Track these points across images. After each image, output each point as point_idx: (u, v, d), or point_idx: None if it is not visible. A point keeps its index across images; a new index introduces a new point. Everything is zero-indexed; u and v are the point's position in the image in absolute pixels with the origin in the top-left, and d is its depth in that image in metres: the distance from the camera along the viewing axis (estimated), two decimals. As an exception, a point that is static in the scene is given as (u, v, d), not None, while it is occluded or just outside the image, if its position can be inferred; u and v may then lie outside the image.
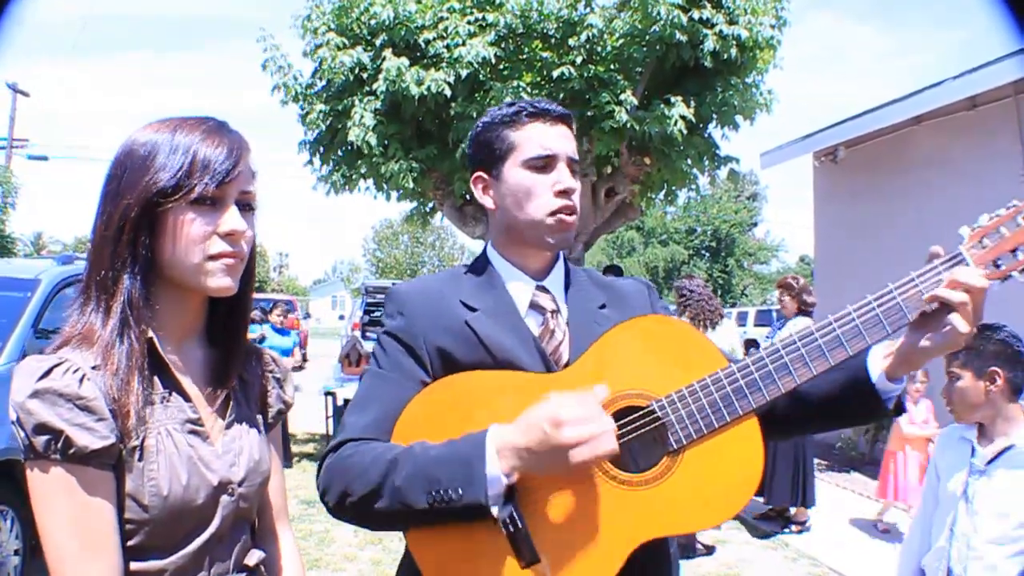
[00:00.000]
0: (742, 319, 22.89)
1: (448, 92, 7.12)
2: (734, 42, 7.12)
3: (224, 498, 1.12)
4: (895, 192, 8.23)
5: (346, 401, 7.91)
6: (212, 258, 1.08)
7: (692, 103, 7.36)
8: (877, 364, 1.30)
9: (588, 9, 7.36)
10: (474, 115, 6.88)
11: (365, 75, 7.59)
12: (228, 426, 1.17)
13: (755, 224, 51.07)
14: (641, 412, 1.27)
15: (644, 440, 1.28)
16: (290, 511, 5.26)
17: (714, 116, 7.84)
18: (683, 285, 5.81)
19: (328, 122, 7.82)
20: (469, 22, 7.22)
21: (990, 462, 2.16)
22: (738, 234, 49.32)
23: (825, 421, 1.46)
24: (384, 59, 7.23)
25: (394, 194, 8.60)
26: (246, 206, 1.13)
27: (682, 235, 49.50)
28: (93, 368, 1.02)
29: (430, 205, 9.39)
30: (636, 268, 44.91)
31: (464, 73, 7.06)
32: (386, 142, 7.54)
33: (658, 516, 1.24)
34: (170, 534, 1.06)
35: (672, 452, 1.26)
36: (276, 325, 8.40)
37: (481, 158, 1.46)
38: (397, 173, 7.53)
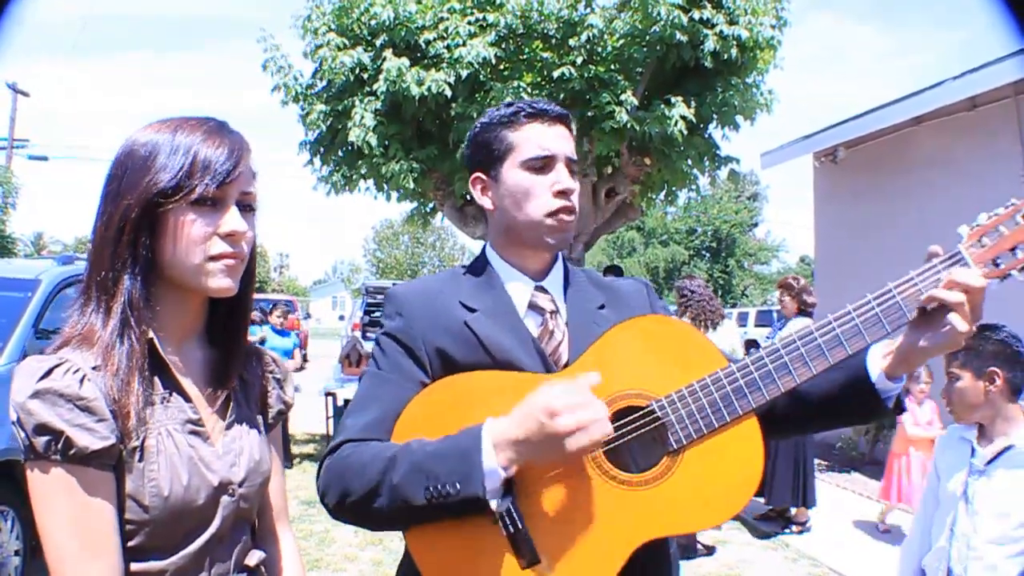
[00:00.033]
0: (742, 319, 22.89)
1: (448, 92, 7.12)
2: (734, 42, 7.12)
3: (224, 499, 1.12)
4: (895, 192, 8.23)
5: (346, 401, 7.91)
6: (213, 259, 1.08)
7: (692, 103, 7.36)
8: (876, 363, 1.30)
9: (588, 9, 7.36)
10: (474, 115, 6.88)
11: (365, 75, 7.59)
12: (228, 427, 1.17)
13: (755, 224, 51.09)
14: (641, 412, 1.27)
15: (644, 440, 1.29)
16: (290, 511, 5.26)
17: (714, 116, 7.85)
18: (684, 285, 5.81)
19: (328, 122, 7.82)
20: (469, 22, 7.22)
21: (990, 462, 2.16)
22: (738, 234, 49.32)
23: (825, 420, 1.46)
24: (384, 59, 7.24)
25: (394, 194, 8.60)
26: (246, 207, 1.13)
27: (682, 235, 49.51)
28: (93, 369, 1.02)
29: (430, 205, 9.39)
30: (636, 268, 44.91)
31: (464, 73, 7.06)
32: (386, 142, 7.54)
33: (658, 516, 1.24)
34: (170, 535, 1.06)
35: (672, 452, 1.26)
36: (276, 326, 8.40)
37: (479, 159, 1.46)
38: (397, 173, 7.53)
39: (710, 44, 7.00)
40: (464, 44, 7.09)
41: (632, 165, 8.13)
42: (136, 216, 1.05)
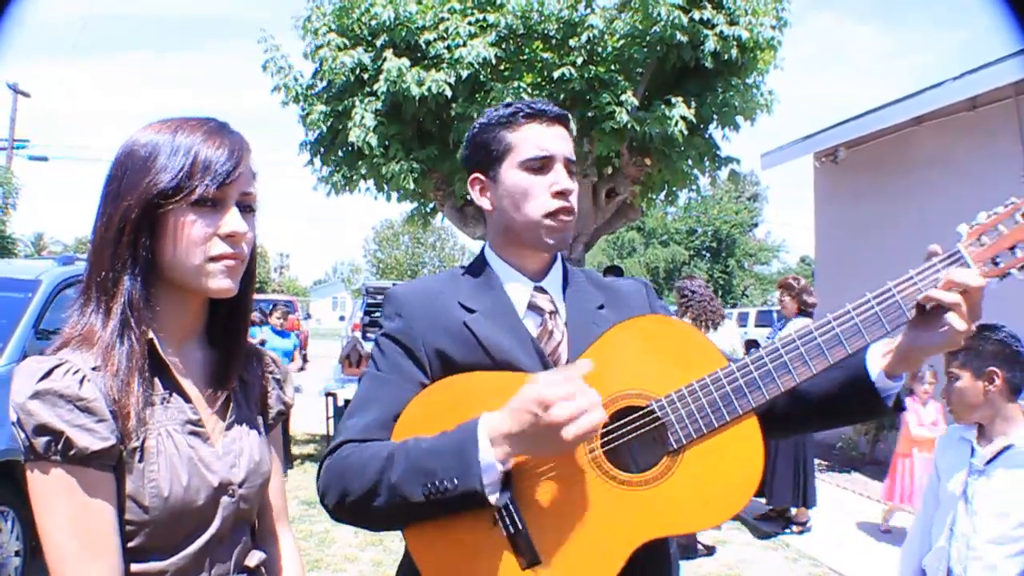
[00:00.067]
0: (743, 320, 22.90)
1: (449, 93, 7.12)
2: (735, 43, 7.12)
3: (224, 499, 1.12)
4: (895, 193, 8.23)
5: (346, 402, 7.91)
6: (213, 260, 1.08)
7: (693, 104, 7.36)
8: (876, 362, 1.30)
9: (589, 10, 7.36)
10: (475, 116, 6.87)
11: (366, 76, 7.59)
12: (228, 427, 1.17)
13: (756, 225, 51.10)
14: (640, 412, 1.27)
15: (644, 440, 1.28)
16: (291, 512, 5.25)
17: (715, 117, 7.84)
18: (685, 286, 5.82)
19: (329, 123, 7.82)
20: (470, 23, 7.22)
21: (989, 462, 2.16)
22: (739, 235, 49.34)
23: (825, 419, 1.46)
24: (385, 60, 7.24)
25: (395, 195, 8.60)
26: (246, 207, 1.13)
27: (683, 236, 49.53)
28: (93, 369, 1.02)
29: (431, 206, 9.39)
30: (637, 269, 44.92)
31: (465, 74, 7.06)
32: (387, 143, 7.54)
33: (658, 516, 1.24)
34: (170, 535, 1.06)
35: (672, 452, 1.26)
36: (276, 327, 8.40)
37: (478, 159, 1.46)
38: (398, 174, 7.53)
39: (710, 44, 7.00)
40: (464, 44, 7.09)
41: (632, 165, 8.13)
42: (136, 217, 1.05)
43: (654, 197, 9.08)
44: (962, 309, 1.19)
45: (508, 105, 1.44)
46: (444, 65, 7.19)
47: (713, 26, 7.05)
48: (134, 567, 1.04)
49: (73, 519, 0.98)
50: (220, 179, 1.07)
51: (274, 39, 7.91)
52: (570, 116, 1.56)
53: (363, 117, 7.32)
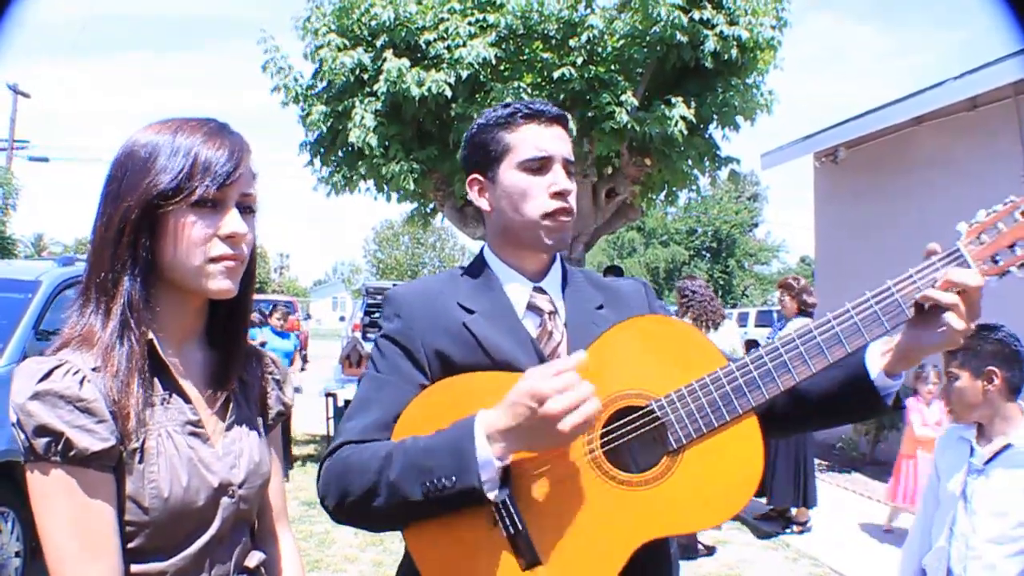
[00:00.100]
0: (743, 320, 22.90)
1: (449, 93, 7.13)
2: (735, 43, 7.12)
3: (224, 500, 1.12)
4: (895, 193, 8.23)
5: (347, 402, 7.90)
6: (213, 261, 1.08)
7: (693, 104, 7.36)
8: (875, 360, 1.30)
9: (589, 10, 7.36)
10: (475, 116, 6.83)
11: (366, 76, 7.59)
12: (228, 428, 1.17)
13: (756, 225, 51.12)
14: (640, 412, 1.27)
15: (644, 440, 1.28)
16: (291, 512, 5.25)
17: (715, 117, 7.85)
18: (685, 286, 5.82)
19: (329, 123, 7.82)
20: (470, 23, 7.23)
21: (988, 462, 2.16)
22: (739, 235, 49.36)
23: (824, 418, 1.46)
24: (385, 60, 7.24)
25: (395, 195, 8.60)
26: (246, 209, 1.13)
27: (683, 236, 49.54)
28: (93, 370, 1.02)
29: (431, 206, 9.39)
30: (637, 269, 44.93)
31: (465, 74, 7.06)
32: (387, 143, 7.55)
33: (658, 516, 1.24)
34: (170, 536, 1.06)
35: (672, 452, 1.26)
36: (276, 328, 8.40)
37: (476, 160, 1.46)
38: (398, 174, 7.54)
39: (710, 44, 7.00)
40: (464, 45, 7.09)
41: (632, 165, 8.13)
42: (136, 218, 1.05)
43: (654, 197, 9.08)
44: (960, 309, 1.19)
45: (506, 106, 1.43)
46: (444, 65, 7.20)
47: (713, 26, 7.05)
48: (134, 568, 1.03)
49: (73, 520, 0.98)
50: (220, 180, 1.07)
51: (274, 39, 7.93)
52: (569, 116, 1.56)
53: (363, 117, 7.32)
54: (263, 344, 7.71)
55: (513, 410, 1.15)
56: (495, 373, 1.31)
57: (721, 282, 46.95)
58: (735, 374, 1.27)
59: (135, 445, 1.03)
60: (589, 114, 7.27)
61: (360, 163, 7.81)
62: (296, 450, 8.44)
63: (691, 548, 5.20)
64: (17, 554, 4.15)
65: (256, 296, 1.31)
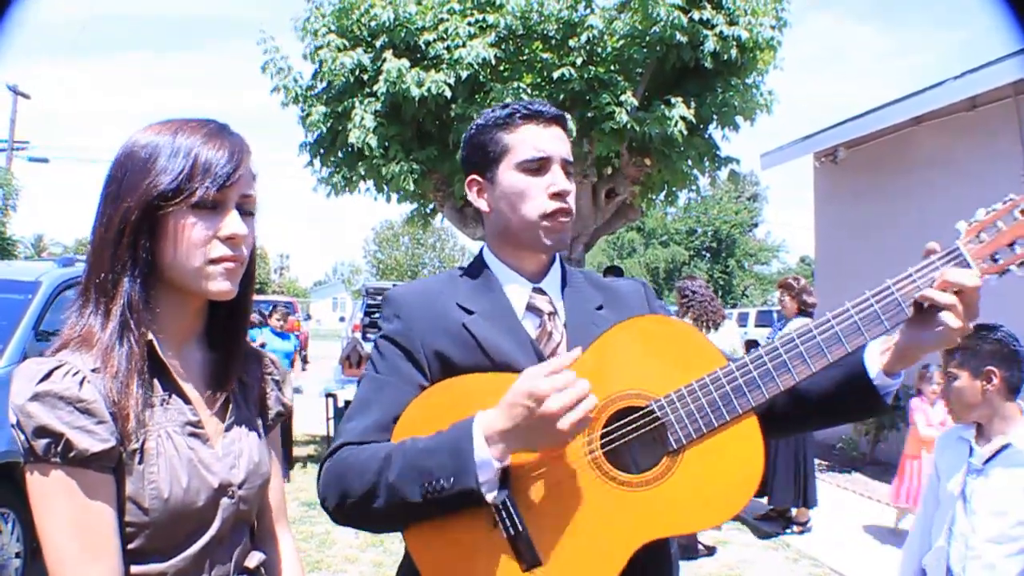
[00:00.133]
0: (743, 320, 22.90)
1: (448, 93, 7.13)
2: (734, 43, 7.12)
3: (224, 500, 1.12)
4: (895, 193, 8.24)
5: (347, 403, 7.90)
6: (212, 262, 1.08)
7: (692, 104, 7.36)
8: (874, 359, 1.30)
9: (588, 10, 7.36)
10: (474, 116, 6.83)
11: (365, 77, 7.59)
12: (228, 428, 1.17)
13: (756, 225, 51.14)
14: (640, 412, 1.27)
15: (644, 440, 1.28)
16: (291, 513, 5.25)
17: (714, 117, 7.84)
18: (685, 286, 5.82)
19: (328, 124, 7.82)
20: (469, 23, 7.22)
21: (987, 461, 2.16)
22: (739, 235, 49.37)
23: (824, 417, 1.45)
24: (384, 60, 7.24)
25: (395, 196, 8.60)
26: (246, 212, 1.13)
27: (683, 236, 49.56)
28: (93, 371, 1.02)
29: (431, 206, 9.39)
30: (637, 269, 44.95)
31: (464, 74, 7.06)
32: (387, 144, 7.54)
33: (659, 517, 1.24)
34: (170, 537, 1.06)
35: (672, 452, 1.26)
36: (276, 328, 8.39)
37: (475, 161, 1.45)
38: (398, 175, 7.53)
39: (710, 45, 7.00)
40: (464, 45, 7.09)
41: (632, 166, 8.13)
42: (136, 219, 1.05)
43: (654, 197, 9.08)
44: (957, 308, 1.20)
45: (505, 106, 1.43)
46: (444, 66, 7.20)
47: (713, 26, 7.05)
48: (134, 569, 1.03)
49: (73, 521, 0.98)
50: (220, 181, 1.07)
51: (274, 40, 7.92)
52: (567, 116, 1.56)
53: (363, 118, 7.32)
54: (263, 345, 7.72)
55: (511, 410, 1.15)
56: (494, 374, 1.31)
57: (721, 282, 46.96)
58: (735, 374, 1.27)
59: (135, 446, 1.03)
60: (589, 114, 7.27)
61: (360, 164, 7.81)
62: (296, 451, 8.43)
63: (691, 548, 5.20)
64: (17, 555, 4.15)
65: (256, 297, 1.31)
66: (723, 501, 1.25)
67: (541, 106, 1.42)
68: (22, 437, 0.98)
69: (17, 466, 3.82)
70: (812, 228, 10.24)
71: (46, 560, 0.99)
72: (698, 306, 5.65)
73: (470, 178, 1.47)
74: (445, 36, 7.28)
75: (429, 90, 7.07)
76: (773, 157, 10.16)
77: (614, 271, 9.68)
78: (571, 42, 7.20)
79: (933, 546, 2.27)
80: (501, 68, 7.52)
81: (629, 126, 7.10)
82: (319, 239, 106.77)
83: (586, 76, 7.18)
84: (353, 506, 1.25)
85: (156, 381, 1.09)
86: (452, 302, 1.40)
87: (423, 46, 7.36)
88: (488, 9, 7.31)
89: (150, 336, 1.07)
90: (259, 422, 1.27)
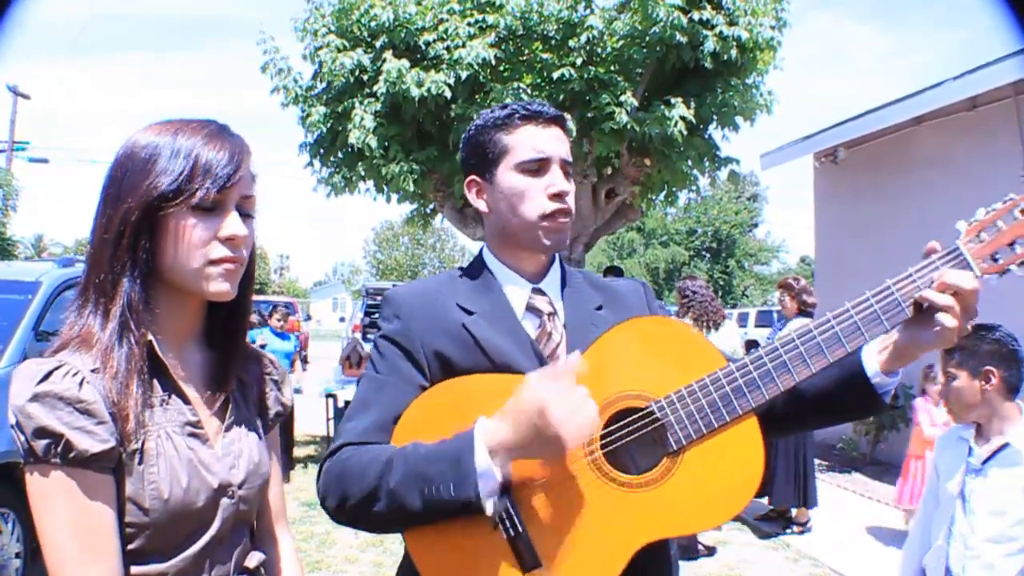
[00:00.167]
0: (743, 320, 22.89)
1: (448, 94, 7.13)
2: (734, 43, 7.12)
3: (224, 501, 1.12)
4: (895, 193, 8.23)
5: (347, 403, 7.88)
6: (212, 263, 1.08)
7: (692, 104, 7.36)
8: (872, 358, 1.30)
9: (588, 11, 7.36)
10: (474, 116, 6.85)
11: (365, 77, 7.59)
12: (227, 428, 1.17)
13: (755, 225, 51.14)
14: (640, 413, 1.27)
15: (644, 441, 1.28)
16: (291, 514, 5.25)
17: (714, 117, 7.85)
18: (686, 286, 5.81)
19: (328, 124, 7.83)
20: (469, 24, 7.23)
21: (986, 461, 2.16)
22: (739, 235, 49.37)
23: (823, 417, 1.45)
24: (384, 61, 7.24)
25: (395, 196, 8.60)
26: (245, 214, 1.13)
27: (683, 236, 49.56)
28: (92, 371, 1.02)
29: (431, 207, 9.39)
30: (637, 269, 44.96)
31: (464, 75, 7.06)
32: (386, 144, 7.55)
33: (659, 518, 1.24)
34: (170, 537, 1.06)
35: (672, 453, 1.26)
36: (276, 329, 8.39)
37: (474, 162, 1.45)
38: (397, 175, 7.54)
39: (710, 45, 7.00)
40: (464, 45, 7.09)
41: (632, 166, 8.13)
42: (136, 219, 1.05)
43: (654, 198, 9.08)
44: (955, 310, 1.20)
45: (504, 107, 1.43)
46: (444, 66, 7.20)
47: (712, 27, 7.05)
48: (134, 570, 1.03)
49: (73, 522, 0.98)
50: (220, 183, 1.07)
51: (274, 40, 7.92)
52: (567, 117, 1.56)
53: (363, 118, 7.33)
54: (263, 346, 7.71)
55: (515, 422, 1.15)
56: (494, 375, 1.31)
57: (721, 282, 46.96)
58: (735, 375, 1.27)
59: (135, 446, 1.03)
60: (589, 115, 7.27)
61: (360, 164, 7.81)
62: (296, 451, 8.43)
63: (691, 548, 5.19)
64: (17, 555, 4.15)
65: (256, 297, 1.31)
66: (723, 502, 1.25)
67: (540, 106, 1.42)
68: (22, 438, 0.98)
69: (17, 466, 3.82)
70: (812, 228, 10.24)
71: (46, 561, 0.99)
72: (698, 306, 5.65)
73: (469, 179, 1.47)
74: (445, 36, 7.28)
75: (429, 90, 7.07)
76: (773, 157, 10.16)
77: (614, 271, 9.68)
78: (571, 42, 7.20)
79: (933, 546, 2.27)
80: (501, 68, 7.52)
81: (629, 126, 7.10)
82: (319, 239, 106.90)
83: (586, 76, 7.18)
84: (353, 508, 1.25)
85: (155, 381, 1.09)
86: (452, 302, 1.40)
87: (423, 46, 7.36)
88: (488, 9, 7.32)
89: (149, 336, 1.07)
90: (258, 422, 1.27)
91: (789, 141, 9.86)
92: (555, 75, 7.10)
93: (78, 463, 0.98)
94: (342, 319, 43.06)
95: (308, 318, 33.43)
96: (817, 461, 6.64)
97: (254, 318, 8.13)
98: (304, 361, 11.55)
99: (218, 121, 1.15)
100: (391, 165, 7.54)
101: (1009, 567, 2.07)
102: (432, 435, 1.25)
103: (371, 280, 41.77)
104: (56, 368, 1.00)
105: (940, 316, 1.20)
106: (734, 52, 7.16)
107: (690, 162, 8.09)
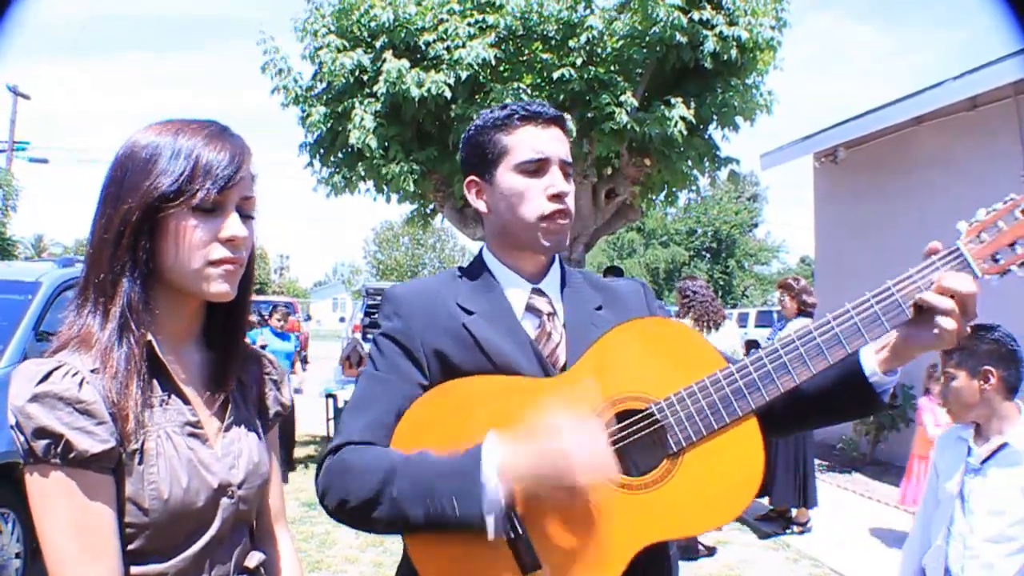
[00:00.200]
0: (743, 320, 22.88)
1: (448, 94, 7.13)
2: (734, 43, 7.12)
3: (224, 500, 1.12)
4: (895, 193, 8.23)
5: (347, 403, 7.90)
6: (212, 264, 1.08)
7: (692, 104, 7.36)
8: (870, 358, 1.30)
9: (588, 11, 7.37)
10: (474, 117, 6.85)
11: (365, 77, 7.59)
12: (227, 428, 1.17)
13: (755, 225, 51.15)
14: (640, 415, 1.27)
15: (644, 443, 1.28)
16: (291, 513, 5.25)
17: (714, 117, 7.85)
18: (686, 286, 5.81)
19: (328, 125, 7.83)
20: (469, 24, 7.23)
21: (985, 461, 2.17)
22: (739, 235, 49.37)
23: (821, 416, 1.45)
24: (384, 61, 7.24)
25: (395, 196, 8.61)
26: (245, 215, 1.13)
27: (683, 236, 49.56)
28: (92, 371, 1.02)
29: (430, 207, 9.39)
30: (637, 269, 44.96)
31: (464, 75, 7.06)
32: (386, 144, 7.55)
33: (659, 519, 1.24)
34: (170, 537, 1.06)
35: (672, 455, 1.26)
36: (276, 329, 8.39)
37: (474, 162, 1.45)
38: (397, 175, 7.54)
39: (710, 45, 7.00)
40: (464, 46, 7.09)
41: (632, 166, 8.13)
42: (136, 220, 1.05)
43: (654, 198, 9.09)
44: (954, 312, 1.20)
45: (503, 107, 1.43)
46: (444, 66, 7.20)
47: (712, 27, 7.05)
48: (134, 570, 1.03)
49: (73, 522, 0.98)
50: (221, 184, 1.07)
51: (274, 40, 7.92)
52: (566, 117, 1.55)
53: (363, 119, 7.33)
54: (263, 346, 7.71)
55: (537, 461, 1.15)
56: (495, 377, 1.31)
57: (721, 282, 46.96)
58: (735, 376, 1.27)
59: (134, 446, 1.03)
60: (589, 115, 7.27)
61: (360, 164, 7.81)
62: (296, 451, 8.43)
63: (692, 549, 5.19)
64: (17, 555, 4.15)
65: (256, 297, 1.31)
66: (724, 503, 1.25)
67: (539, 107, 1.41)
68: (21, 438, 0.98)
69: (17, 466, 3.82)
70: (812, 228, 10.24)
71: (46, 561, 0.99)
72: (699, 306, 5.65)
73: (469, 179, 1.47)
74: (445, 36, 7.28)
75: (429, 90, 7.07)
76: (773, 157, 10.16)
77: (614, 271, 9.67)
78: (571, 43, 7.20)
79: (932, 546, 2.27)
80: (501, 69, 7.53)
81: (629, 126, 7.10)
82: (319, 239, 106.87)
83: (586, 76, 7.18)
84: (353, 510, 1.24)
85: (155, 381, 1.09)
86: (452, 302, 1.40)
87: (423, 46, 7.36)
88: (488, 10, 7.32)
89: (149, 337, 1.07)
90: (258, 422, 1.27)
91: (789, 141, 9.86)
92: (555, 75, 7.10)
93: (78, 463, 0.98)
94: (342, 319, 43.08)
95: (308, 318, 33.43)
96: (817, 461, 6.64)
97: (254, 318, 8.17)
98: (304, 361, 11.54)
99: (219, 122, 1.15)
100: (391, 165, 7.54)
101: (1008, 567, 2.07)
102: (434, 437, 1.25)
103: (371, 280, 41.78)
104: (56, 368, 1.00)
105: (939, 319, 1.20)
106: (734, 52, 7.16)
107: (690, 162, 8.10)
